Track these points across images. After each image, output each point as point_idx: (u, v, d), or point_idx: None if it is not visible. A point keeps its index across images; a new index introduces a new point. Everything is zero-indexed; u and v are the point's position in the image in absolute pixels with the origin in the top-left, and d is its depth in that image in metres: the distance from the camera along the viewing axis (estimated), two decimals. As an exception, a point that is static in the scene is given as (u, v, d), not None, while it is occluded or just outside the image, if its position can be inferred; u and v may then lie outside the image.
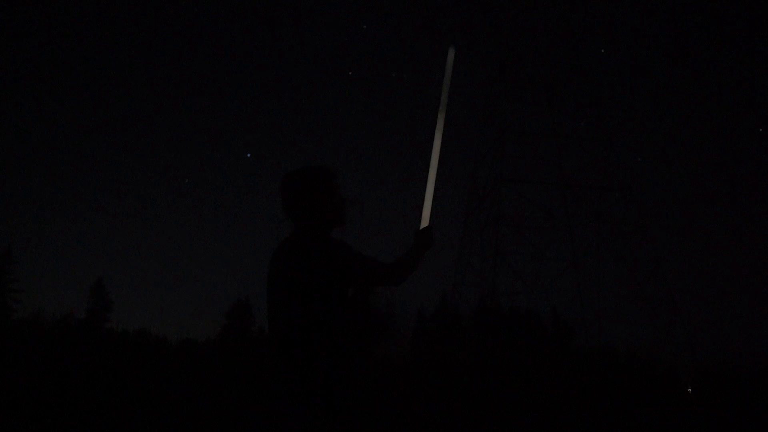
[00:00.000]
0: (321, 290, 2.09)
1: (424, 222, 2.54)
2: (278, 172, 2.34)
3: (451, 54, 2.67)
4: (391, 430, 9.59)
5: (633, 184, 44.04)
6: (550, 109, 39.52)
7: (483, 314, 34.15)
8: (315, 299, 2.07)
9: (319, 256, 2.11)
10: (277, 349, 2.09)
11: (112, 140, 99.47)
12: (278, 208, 2.33)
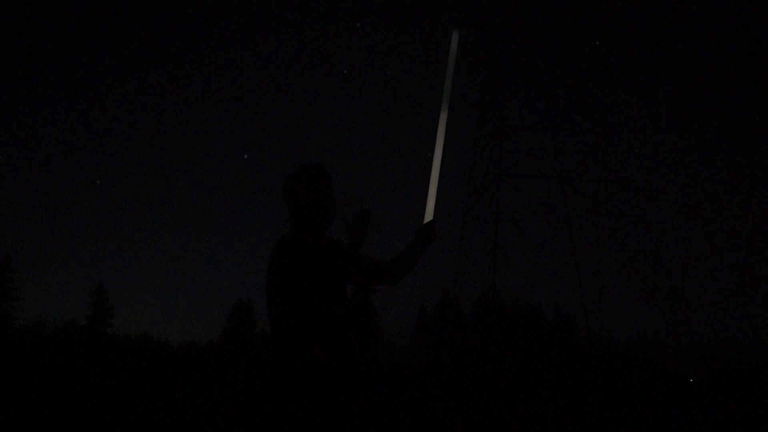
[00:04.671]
0: (319, 288, 2.10)
1: (428, 216, 2.51)
2: (276, 173, 2.34)
3: (455, 38, 2.63)
4: (393, 427, 9.56)
5: (631, 176, 44.09)
6: (546, 103, 39.55)
7: (485, 309, 34.16)
8: (313, 297, 2.09)
9: (316, 254, 2.14)
10: (278, 347, 2.10)
11: (110, 145, 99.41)
12: (277, 208, 2.33)
